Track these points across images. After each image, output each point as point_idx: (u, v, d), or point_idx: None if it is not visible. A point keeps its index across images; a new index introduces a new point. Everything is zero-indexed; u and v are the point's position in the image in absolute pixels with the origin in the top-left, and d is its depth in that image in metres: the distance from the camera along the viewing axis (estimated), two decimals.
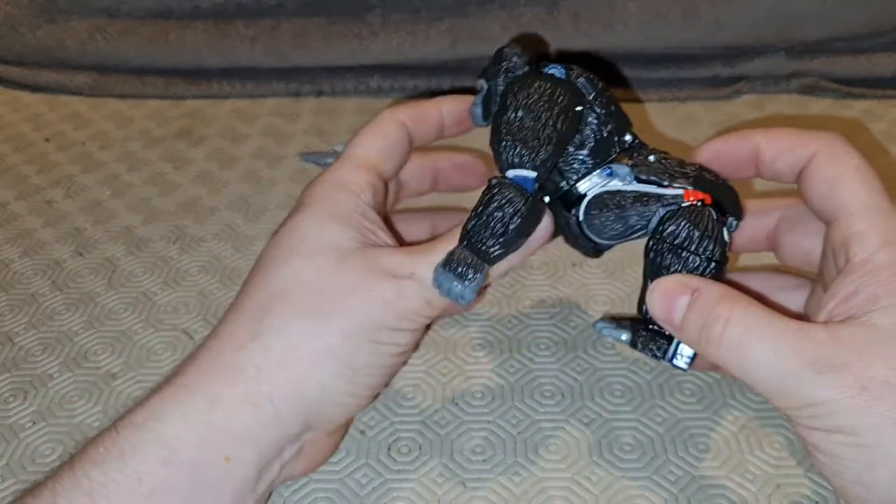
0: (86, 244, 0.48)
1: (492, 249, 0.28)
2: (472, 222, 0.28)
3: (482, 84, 0.31)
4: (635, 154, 0.30)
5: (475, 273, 0.27)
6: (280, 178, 0.54)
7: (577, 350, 0.38)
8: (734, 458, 0.32)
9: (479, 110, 0.32)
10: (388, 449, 0.33)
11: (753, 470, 0.32)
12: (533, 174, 0.27)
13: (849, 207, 0.27)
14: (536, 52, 0.31)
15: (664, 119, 0.60)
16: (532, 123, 0.27)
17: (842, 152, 0.28)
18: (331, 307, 0.29)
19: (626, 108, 0.31)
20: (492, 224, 0.27)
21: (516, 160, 0.27)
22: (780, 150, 0.29)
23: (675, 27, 0.61)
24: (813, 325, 0.25)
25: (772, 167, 0.29)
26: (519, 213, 0.27)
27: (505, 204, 0.27)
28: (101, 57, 0.66)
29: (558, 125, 0.27)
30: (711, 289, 0.26)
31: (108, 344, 0.40)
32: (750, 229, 0.32)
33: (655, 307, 0.28)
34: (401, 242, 0.32)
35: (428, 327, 0.31)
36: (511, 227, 0.27)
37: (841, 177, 0.27)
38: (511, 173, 0.28)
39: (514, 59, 0.30)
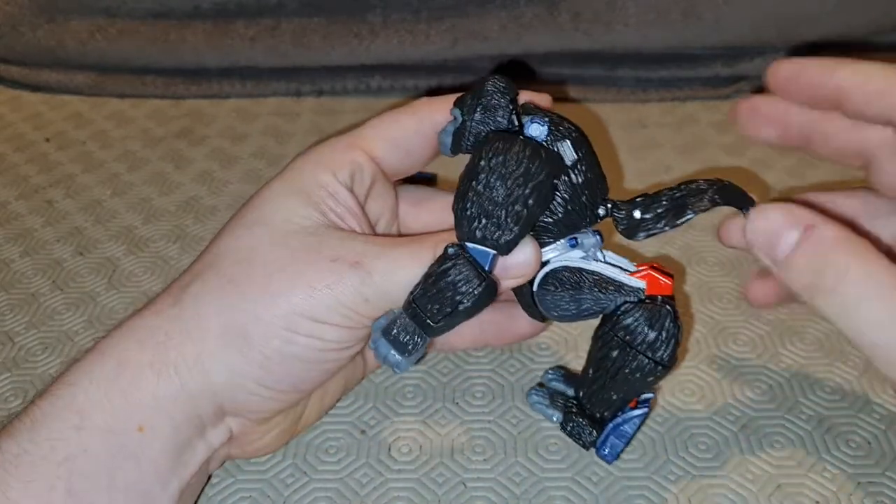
0: (86, 244, 0.48)
1: (435, 325, 0.26)
2: (420, 291, 0.26)
3: (455, 114, 0.29)
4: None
5: (414, 345, 0.26)
6: None
7: (577, 350, 0.38)
8: (734, 458, 0.32)
9: (448, 140, 0.29)
10: (389, 448, 0.33)
11: (753, 470, 0.32)
12: (493, 253, 0.26)
13: None
14: (518, 88, 0.29)
15: (664, 119, 0.60)
16: (503, 198, 0.25)
17: None
18: (252, 283, 0.26)
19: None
20: (440, 299, 0.26)
21: (478, 234, 0.25)
22: (872, 95, 0.26)
23: (675, 27, 0.61)
24: None
25: (858, 110, 0.26)
26: (471, 295, 0.25)
27: (459, 281, 0.25)
28: (101, 56, 0.66)
29: (530, 202, 0.25)
30: (826, 228, 0.24)
31: None
32: (839, 141, 0.28)
33: (756, 237, 0.25)
34: None
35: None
36: (461, 307, 0.26)
37: None
38: (471, 246, 0.26)
39: (496, 96, 0.28)
